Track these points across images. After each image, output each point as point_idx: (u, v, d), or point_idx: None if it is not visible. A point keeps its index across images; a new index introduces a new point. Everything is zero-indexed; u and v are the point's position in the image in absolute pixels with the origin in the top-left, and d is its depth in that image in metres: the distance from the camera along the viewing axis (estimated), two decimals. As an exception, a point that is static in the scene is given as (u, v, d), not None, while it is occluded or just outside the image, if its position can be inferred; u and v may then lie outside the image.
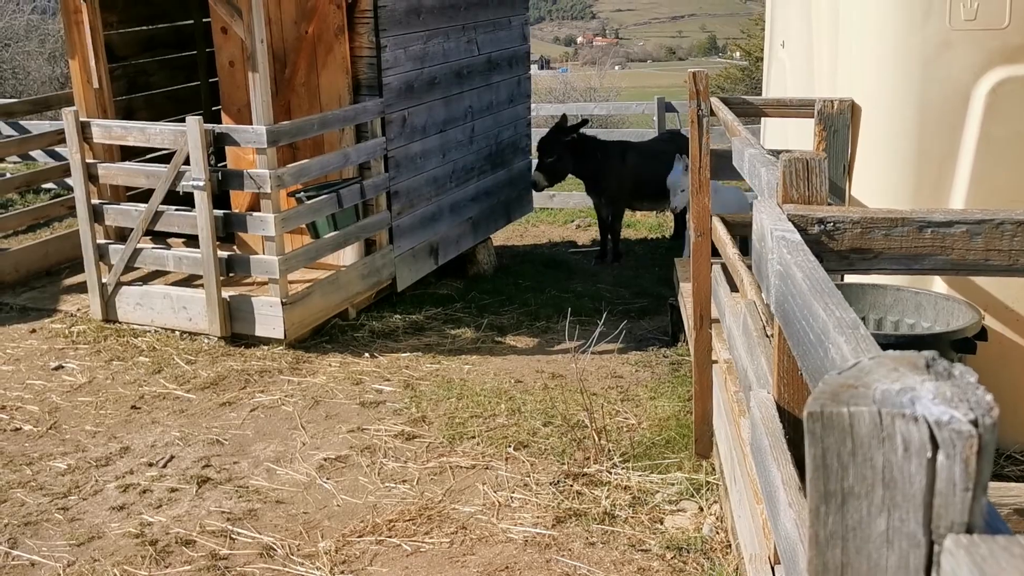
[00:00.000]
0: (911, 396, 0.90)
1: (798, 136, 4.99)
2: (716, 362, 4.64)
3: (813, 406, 0.92)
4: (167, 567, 3.99)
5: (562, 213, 11.93)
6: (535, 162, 10.23)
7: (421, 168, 7.91)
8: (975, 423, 0.87)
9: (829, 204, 2.17)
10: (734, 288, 4.33)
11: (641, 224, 11.28)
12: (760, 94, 8.00)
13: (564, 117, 9.62)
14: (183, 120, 6.61)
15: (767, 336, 3.07)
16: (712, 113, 4.52)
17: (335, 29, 7.24)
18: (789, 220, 2.02)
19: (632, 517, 4.23)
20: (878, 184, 4.36)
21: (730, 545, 3.96)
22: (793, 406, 2.23)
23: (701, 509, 4.27)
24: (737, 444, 3.76)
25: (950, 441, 0.88)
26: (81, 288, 7.33)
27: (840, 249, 2.07)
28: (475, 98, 8.67)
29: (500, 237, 9.95)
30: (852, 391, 0.91)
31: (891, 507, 0.90)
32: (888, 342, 3.55)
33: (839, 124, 4.40)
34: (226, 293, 6.70)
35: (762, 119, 6.37)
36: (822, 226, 2.06)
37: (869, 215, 2.07)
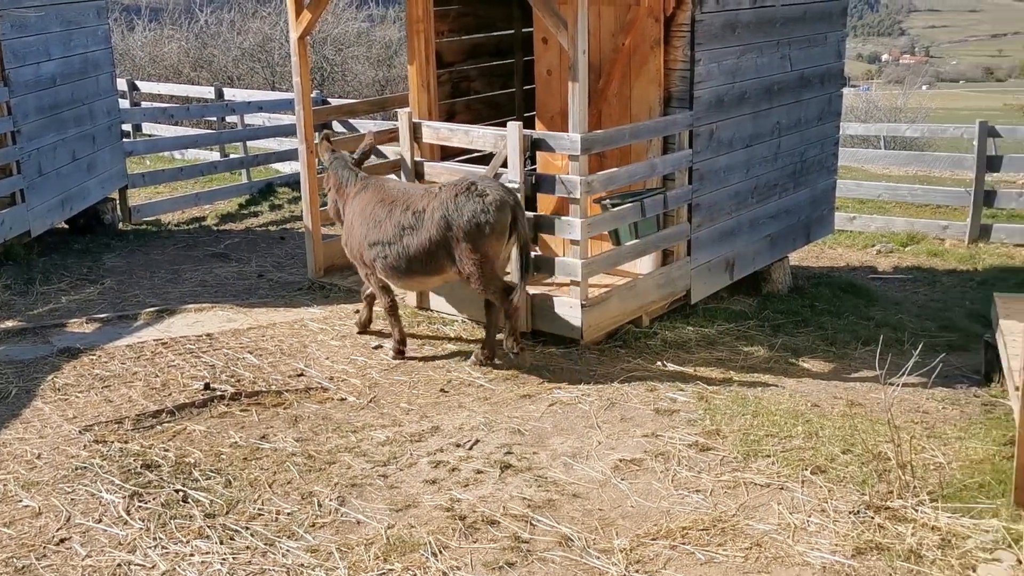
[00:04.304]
0: None
1: None
2: (1047, 407, 4.31)
3: None
4: (475, 542, 4.27)
5: (862, 237, 11.47)
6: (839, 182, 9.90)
7: (724, 182, 7.89)
8: None
9: None
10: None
11: (950, 254, 10.62)
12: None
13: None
14: (500, 124, 7.01)
15: None
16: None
17: (651, 42, 7.39)
18: None
19: (941, 559, 4.03)
20: None
21: (1052, 605, 3.69)
22: None
23: (1020, 562, 3.99)
24: (1072, 497, 3.49)
25: None
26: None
27: None
28: (784, 114, 8.53)
29: (795, 257, 9.72)
30: None
31: None
32: None
33: None
34: (529, 291, 7.01)
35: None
36: None
37: None
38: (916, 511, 4.43)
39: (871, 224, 11.69)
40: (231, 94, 14.49)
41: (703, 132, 7.53)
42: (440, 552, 4.17)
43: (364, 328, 7.10)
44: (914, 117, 23.89)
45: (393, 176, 7.14)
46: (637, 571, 4.06)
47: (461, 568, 4.05)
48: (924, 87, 45.59)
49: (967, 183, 11.45)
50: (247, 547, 4.23)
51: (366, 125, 12.88)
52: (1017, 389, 4.77)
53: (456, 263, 6.25)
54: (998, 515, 4.34)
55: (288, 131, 12.74)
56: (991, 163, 11.04)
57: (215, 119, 14.39)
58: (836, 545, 4.21)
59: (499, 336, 6.56)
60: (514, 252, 6.37)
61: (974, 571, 3.95)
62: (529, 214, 6.99)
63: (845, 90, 10.05)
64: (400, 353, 6.67)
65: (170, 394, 5.91)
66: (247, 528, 4.38)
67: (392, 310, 6.72)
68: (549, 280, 7.42)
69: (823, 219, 9.57)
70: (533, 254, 7.10)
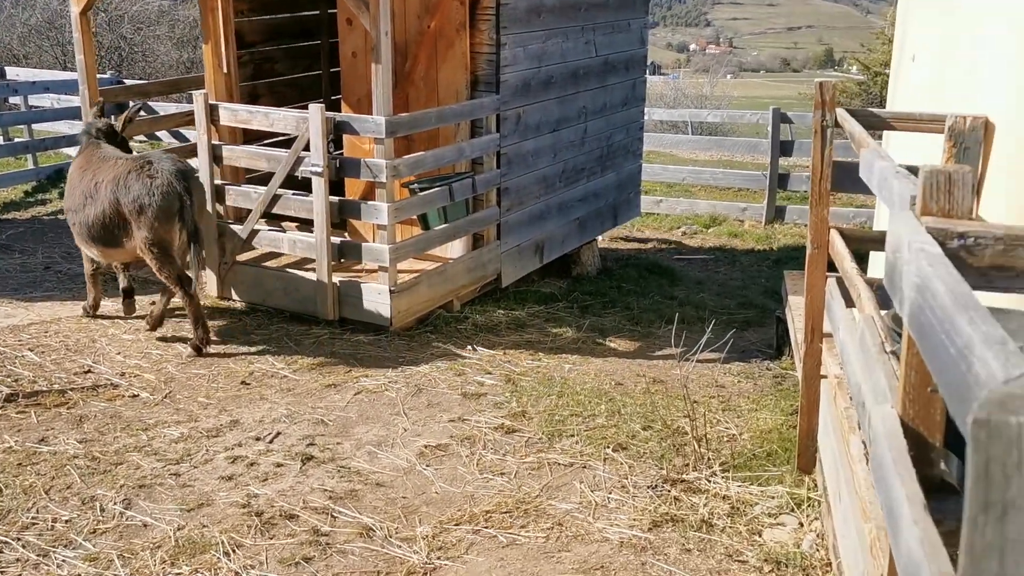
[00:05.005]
0: (1084, 410, 0.88)
1: (924, 152, 4.85)
2: (825, 377, 4.54)
3: (979, 414, 0.90)
4: (271, 538, 4.11)
5: (668, 219, 11.85)
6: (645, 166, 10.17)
7: (532, 166, 7.95)
8: None
9: (970, 219, 2.11)
10: (849, 303, 4.24)
11: (749, 235, 11.12)
12: (877, 108, 7.77)
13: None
14: (305, 107, 6.80)
15: (886, 352, 3.00)
16: (837, 125, 4.43)
17: (457, 25, 7.34)
18: (928, 232, 1.97)
19: (730, 527, 4.18)
20: (1007, 206, 4.21)
21: (830, 564, 3.88)
22: (918, 423, 2.18)
23: (801, 524, 4.19)
24: (844, 461, 3.68)
25: (1124, 459, 0.85)
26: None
27: (980, 265, 2.01)
28: (589, 99, 8.68)
29: (605, 239, 9.93)
30: (1021, 401, 0.89)
31: (1055, 522, 0.88)
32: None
33: (970, 141, 4.25)
34: (336, 278, 6.86)
35: (884, 135, 6.21)
36: (962, 241, 2.01)
37: (1014, 232, 2.01)
38: (709, 482, 4.58)
39: (676, 207, 12.11)
40: (14, 73, 13.47)
41: (510, 116, 7.55)
42: (233, 551, 3.98)
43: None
44: (719, 104, 24.93)
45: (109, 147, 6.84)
46: (439, 558, 4.01)
47: (255, 567, 3.89)
48: (728, 76, 47.84)
49: (764, 167, 12.02)
50: (17, 559, 3.91)
51: (166, 108, 12.29)
52: (801, 361, 5.01)
53: (133, 240, 6.21)
54: (783, 481, 4.55)
55: (80, 113, 11.98)
56: (784, 148, 11.63)
57: (-3, 100, 13.37)
58: (634, 520, 4.29)
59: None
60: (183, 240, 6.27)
61: (760, 536, 4.12)
62: (334, 199, 6.83)
63: (656, 78, 10.34)
64: (88, 312, 6.87)
65: (-64, 398, 5.42)
66: (18, 539, 4.05)
67: (92, 275, 6.80)
68: (358, 267, 7.28)
69: (630, 202, 9.82)
70: (339, 240, 6.96)
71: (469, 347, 6.64)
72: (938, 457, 2.22)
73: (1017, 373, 0.95)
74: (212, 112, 7.10)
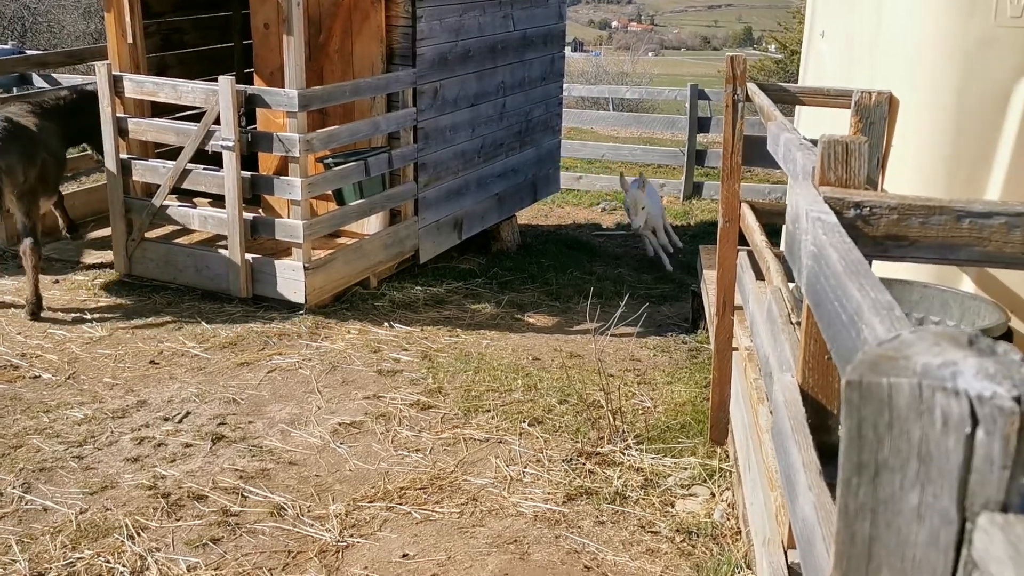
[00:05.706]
0: (953, 370, 0.88)
1: (833, 127, 4.93)
2: (736, 349, 4.60)
3: (852, 375, 0.90)
4: (178, 520, 4.01)
5: (588, 195, 11.89)
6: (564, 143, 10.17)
7: (450, 141, 7.88)
8: (1018, 400, 0.85)
9: (866, 189, 2.14)
10: (759, 276, 4.29)
11: (667, 211, 11.22)
12: (788, 83, 7.86)
13: None
14: (215, 80, 6.62)
15: (792, 323, 3.04)
16: (748, 99, 4.47)
17: (372, -3, 7.20)
18: (825, 202, 1.99)
19: (643, 499, 4.22)
20: (911, 178, 4.31)
21: (740, 532, 3.95)
22: (817, 391, 2.21)
23: (713, 495, 4.25)
24: (753, 431, 3.73)
25: (991, 417, 0.86)
26: (106, 242, 7.38)
27: (875, 235, 2.04)
28: (508, 74, 8.62)
29: (525, 216, 9.92)
30: (892, 363, 0.89)
31: (925, 482, 0.89)
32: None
33: (876, 116, 4.33)
34: (249, 255, 6.72)
35: (796, 109, 6.31)
36: (858, 210, 2.03)
37: (907, 202, 2.04)
38: (624, 455, 4.61)
39: (596, 183, 12.15)
40: (-89, 43, 12.86)
41: (427, 90, 7.45)
42: (138, 534, 3.88)
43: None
44: (639, 81, 25.07)
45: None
46: (352, 535, 3.96)
47: (161, 549, 3.79)
48: (650, 54, 48.18)
49: (682, 143, 12.13)
50: (-93, 548, 3.76)
51: (73, 80, 11.85)
52: (713, 334, 5.07)
53: None
54: (696, 453, 4.61)
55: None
56: (701, 124, 11.74)
57: None
58: (549, 493, 4.30)
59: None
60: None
61: (672, 507, 4.17)
62: (247, 174, 6.67)
63: (578, 55, 10.32)
64: None
65: None
66: (-91, 527, 3.89)
67: None
68: (272, 243, 7.13)
69: (549, 178, 9.82)
70: (252, 216, 6.81)
71: (386, 324, 6.57)
72: (836, 424, 2.25)
73: (891, 335, 0.95)
74: (116, 83, 6.86)
